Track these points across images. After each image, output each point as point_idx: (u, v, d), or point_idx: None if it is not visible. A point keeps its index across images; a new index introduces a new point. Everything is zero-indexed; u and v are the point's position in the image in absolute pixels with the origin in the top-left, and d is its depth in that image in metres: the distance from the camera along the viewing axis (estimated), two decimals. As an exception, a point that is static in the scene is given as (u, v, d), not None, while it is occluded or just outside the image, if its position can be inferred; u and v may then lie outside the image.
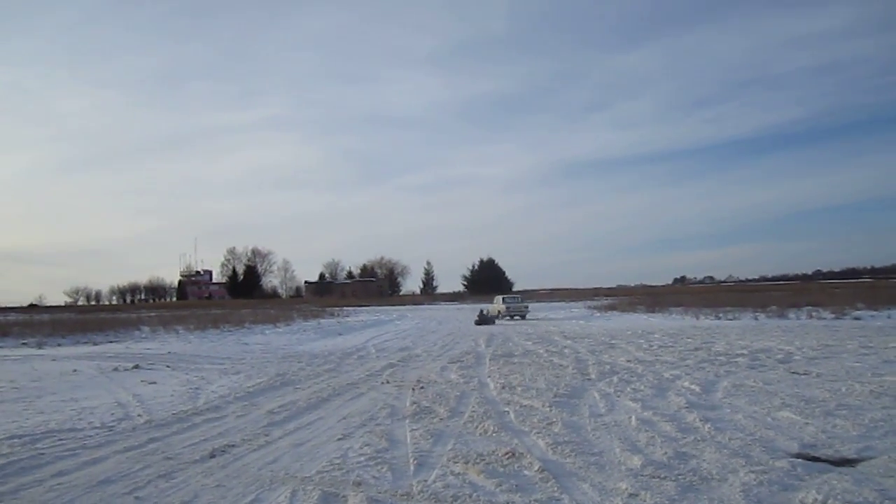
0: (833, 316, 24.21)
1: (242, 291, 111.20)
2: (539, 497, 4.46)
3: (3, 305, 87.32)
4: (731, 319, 25.37)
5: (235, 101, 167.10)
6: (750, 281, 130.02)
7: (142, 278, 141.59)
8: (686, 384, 9.26)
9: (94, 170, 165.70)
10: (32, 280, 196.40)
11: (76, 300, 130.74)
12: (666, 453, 5.53)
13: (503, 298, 37.77)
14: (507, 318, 34.72)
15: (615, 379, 9.98)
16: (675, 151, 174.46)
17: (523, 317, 35.13)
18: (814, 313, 25.24)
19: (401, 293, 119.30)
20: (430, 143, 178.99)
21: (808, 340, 15.31)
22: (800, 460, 5.22)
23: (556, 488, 4.65)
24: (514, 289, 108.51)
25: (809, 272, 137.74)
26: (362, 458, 5.67)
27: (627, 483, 4.71)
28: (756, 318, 25.09)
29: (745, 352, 13.22)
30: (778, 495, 4.38)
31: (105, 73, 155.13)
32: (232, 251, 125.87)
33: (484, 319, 30.74)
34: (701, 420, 6.81)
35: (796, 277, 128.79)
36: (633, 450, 5.70)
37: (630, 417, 7.07)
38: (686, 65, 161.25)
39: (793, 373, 10.17)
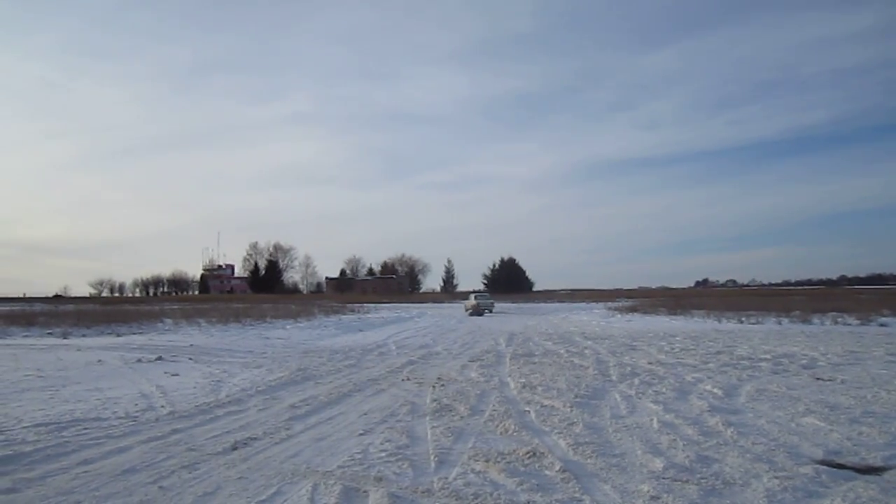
0: (858, 322, 23.82)
1: (264, 286, 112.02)
2: (560, 497, 4.45)
3: (29, 296, 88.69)
4: (753, 323, 25.05)
5: (260, 96, 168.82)
6: (773, 285, 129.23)
7: (165, 271, 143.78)
8: (708, 388, 9.19)
9: (119, 163, 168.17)
10: (57, 271, 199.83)
11: (100, 292, 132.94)
12: (688, 456, 5.49)
13: (475, 296, 46.15)
14: (477, 312, 42.12)
15: (636, 381, 9.92)
16: (698, 153, 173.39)
17: (490, 311, 44.08)
18: (839, 319, 24.84)
19: (421, 291, 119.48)
20: (453, 141, 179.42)
21: (833, 346, 15.09)
22: (824, 467, 5.16)
23: (577, 489, 4.63)
24: (535, 289, 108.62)
25: (834, 277, 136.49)
26: (383, 454, 5.69)
27: (649, 485, 4.69)
28: (779, 323, 24.76)
29: (768, 356, 13.07)
30: (803, 502, 4.35)
31: (131, 67, 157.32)
32: (254, 246, 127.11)
33: (476, 312, 41.48)
34: (724, 424, 6.75)
35: (820, 282, 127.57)
36: (655, 452, 5.67)
37: (652, 420, 7.03)
38: (710, 66, 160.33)
39: (817, 379, 10.05)
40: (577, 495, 4.50)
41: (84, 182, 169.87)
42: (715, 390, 8.94)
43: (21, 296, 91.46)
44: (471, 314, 41.14)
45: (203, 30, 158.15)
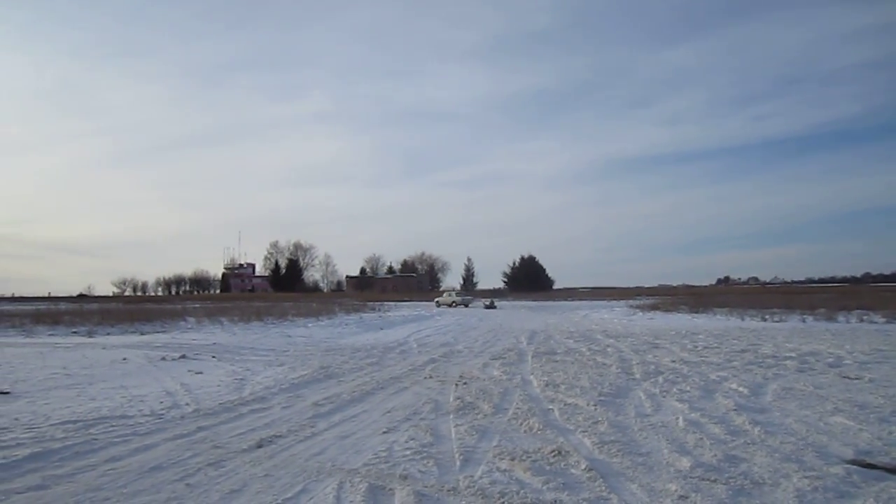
0: (884, 320, 23.47)
1: (284, 285, 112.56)
2: (587, 496, 4.43)
3: (54, 295, 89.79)
4: (777, 321, 24.80)
5: (282, 95, 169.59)
6: (796, 282, 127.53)
7: (186, 270, 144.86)
8: (733, 386, 9.10)
9: (141, 162, 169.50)
10: (81, 271, 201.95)
11: (123, 290, 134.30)
12: (715, 455, 5.44)
13: (455, 293, 59.93)
14: (451, 305, 53.69)
15: (660, 379, 9.85)
16: (721, 149, 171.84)
17: (466, 306, 54.11)
18: (864, 317, 24.52)
19: (441, 289, 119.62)
20: (472, 139, 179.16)
21: (859, 345, 14.90)
22: (855, 467, 5.09)
23: (603, 488, 4.60)
24: (555, 287, 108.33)
25: (858, 275, 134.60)
26: (408, 452, 5.69)
27: (677, 485, 4.65)
28: (804, 321, 24.50)
29: (793, 355, 12.93)
30: (834, 502, 4.29)
31: (151, 67, 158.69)
32: (275, 245, 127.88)
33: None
34: (750, 423, 6.69)
35: (844, 280, 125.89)
36: (682, 451, 5.62)
37: (677, 418, 6.97)
38: (731, 61, 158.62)
39: (844, 377, 9.93)
40: (603, 494, 4.47)
41: (106, 182, 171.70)
42: (740, 389, 8.86)
43: (46, 295, 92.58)
44: (448, 306, 53.32)
45: (225, 27, 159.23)
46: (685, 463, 5.22)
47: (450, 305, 54.45)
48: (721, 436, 6.20)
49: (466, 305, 54.97)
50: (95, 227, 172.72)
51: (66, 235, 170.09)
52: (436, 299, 59.25)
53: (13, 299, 78.96)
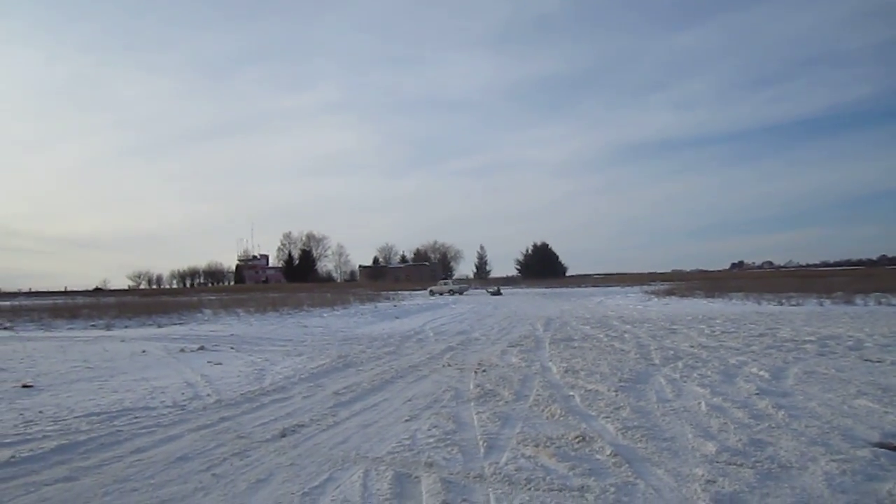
0: (903, 302, 23.36)
1: (298, 275, 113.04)
2: (614, 482, 4.41)
3: (71, 289, 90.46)
4: (794, 305, 24.67)
5: (291, 86, 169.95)
6: (811, 266, 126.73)
7: (201, 263, 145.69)
8: (754, 370, 9.05)
9: (154, 156, 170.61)
10: (97, 265, 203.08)
11: (139, 284, 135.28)
12: (740, 440, 5.41)
13: (452, 282, 62.77)
14: (449, 293, 55.42)
15: (680, 364, 9.81)
16: (734, 133, 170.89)
17: (461, 294, 56.13)
18: (882, 300, 24.30)
19: (454, 277, 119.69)
20: (483, 127, 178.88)
21: (879, 327, 14.78)
22: (882, 450, 5.04)
23: (630, 473, 4.59)
24: (568, 273, 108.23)
25: (874, 257, 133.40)
26: (431, 440, 5.69)
27: (703, 469, 4.63)
28: (821, 304, 24.37)
29: (812, 338, 12.84)
30: (864, 485, 4.25)
31: (162, 60, 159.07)
32: (288, 236, 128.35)
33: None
34: (773, 407, 6.64)
35: (860, 263, 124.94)
36: (706, 436, 5.59)
37: (699, 403, 6.94)
38: (748, 42, 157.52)
39: (865, 360, 9.86)
40: (630, 479, 4.46)
41: (119, 176, 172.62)
42: (761, 373, 8.81)
43: (63, 289, 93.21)
44: (440, 293, 56.22)
45: (234, 20, 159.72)
46: (711, 447, 5.19)
47: (442, 294, 56.20)
48: (745, 420, 6.17)
49: (461, 293, 57.07)
50: (109, 222, 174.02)
51: (80, 230, 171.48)
52: (430, 288, 61.25)
53: (30, 294, 79.55)
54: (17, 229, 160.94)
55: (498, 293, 56.57)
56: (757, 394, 7.38)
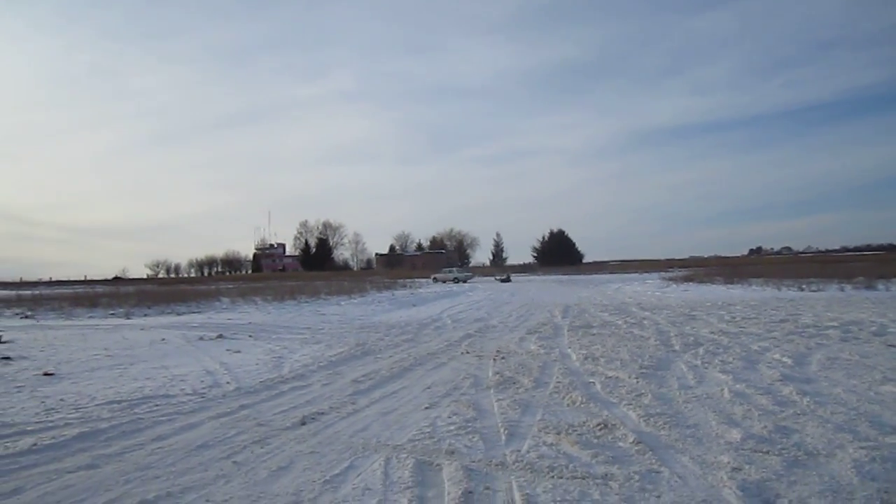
0: (926, 287, 23.05)
1: (315, 264, 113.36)
2: (638, 469, 4.35)
3: (90, 278, 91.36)
4: (814, 291, 24.41)
5: (306, 75, 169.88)
6: (830, 251, 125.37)
7: (218, 251, 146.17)
8: (776, 356, 8.95)
9: (172, 145, 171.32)
10: (115, 253, 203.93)
11: (157, 273, 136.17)
12: (766, 427, 5.33)
13: (454, 270, 62.24)
14: (453, 281, 55.34)
15: (701, 350, 9.72)
16: (751, 117, 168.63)
17: (465, 282, 55.21)
18: (904, 284, 24.08)
19: (470, 265, 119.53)
20: (498, 114, 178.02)
21: (902, 312, 14.62)
22: (912, 436, 4.96)
23: (654, 460, 4.53)
24: (584, 260, 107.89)
25: (895, 241, 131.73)
26: (452, 428, 5.65)
27: (729, 456, 4.56)
28: (842, 290, 24.09)
29: (835, 324, 12.68)
30: (894, 473, 4.16)
31: (178, 50, 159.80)
32: (304, 224, 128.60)
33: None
34: (798, 393, 6.55)
35: (880, 247, 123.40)
36: (730, 423, 5.52)
37: (722, 390, 6.85)
38: (764, 26, 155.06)
39: (890, 346, 9.71)
40: (654, 467, 4.40)
41: (136, 165, 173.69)
42: (784, 359, 8.70)
43: (82, 278, 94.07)
44: (444, 281, 56.14)
45: (247, 8, 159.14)
46: (735, 434, 5.12)
47: (445, 282, 55.49)
48: (769, 407, 6.08)
49: (465, 281, 56.42)
50: (128, 211, 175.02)
51: (100, 219, 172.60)
52: (433, 276, 60.78)
53: (51, 283, 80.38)
54: (38, 219, 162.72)
55: (507, 280, 57.02)
56: (780, 380, 7.29)
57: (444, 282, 54.64)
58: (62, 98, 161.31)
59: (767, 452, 4.65)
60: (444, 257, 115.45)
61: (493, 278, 62.30)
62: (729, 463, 4.42)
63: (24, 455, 5.03)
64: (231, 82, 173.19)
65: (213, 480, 4.40)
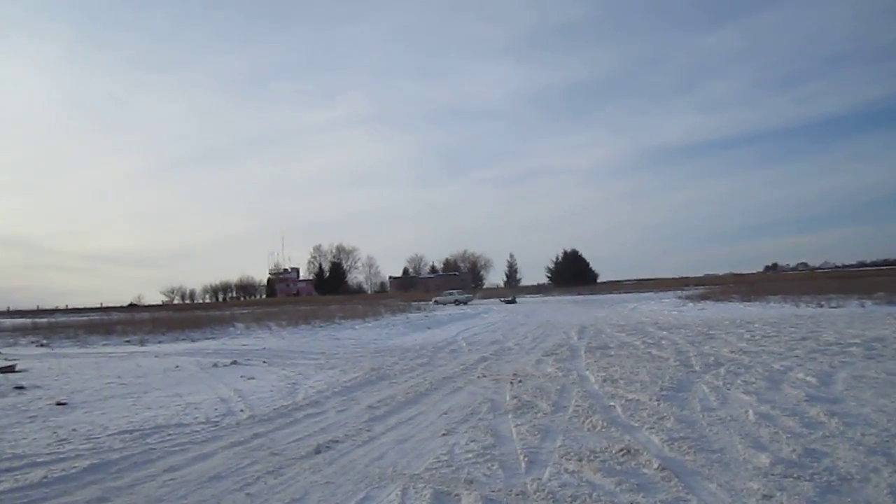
0: (949, 302, 22.68)
1: (329, 288, 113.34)
2: (664, 497, 4.20)
3: (106, 305, 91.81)
4: (834, 307, 24.07)
5: (317, 100, 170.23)
6: (847, 267, 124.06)
7: (232, 277, 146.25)
8: (800, 376, 8.75)
9: (184, 173, 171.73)
10: (131, 280, 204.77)
11: (172, 299, 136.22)
12: (794, 450, 5.15)
13: (454, 293, 62.61)
14: (454, 303, 55.40)
15: (722, 371, 9.52)
16: (764, 133, 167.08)
17: (466, 304, 56.02)
18: (926, 300, 23.70)
19: (484, 286, 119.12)
20: (510, 134, 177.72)
21: (927, 328, 14.34)
22: (948, 459, 4.77)
23: (680, 488, 4.37)
24: (599, 280, 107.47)
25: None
26: (470, 455, 5.51)
27: (758, 483, 4.39)
28: (862, 306, 23.73)
29: (858, 341, 12.44)
30: (933, 498, 3.99)
31: (191, 78, 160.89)
32: (318, 248, 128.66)
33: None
34: (826, 414, 6.36)
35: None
36: (758, 446, 5.35)
37: (746, 411, 6.67)
38: (775, 41, 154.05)
39: (917, 363, 9.50)
40: (681, 495, 4.24)
41: (151, 193, 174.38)
42: (808, 378, 8.50)
43: (98, 305, 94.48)
44: (445, 303, 55.80)
45: (258, 38, 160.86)
46: (764, 459, 4.94)
47: (446, 304, 56.09)
48: (797, 429, 5.90)
49: (466, 303, 57.21)
50: (143, 237, 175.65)
51: (115, 246, 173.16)
52: (434, 299, 61.18)
53: (67, 311, 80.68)
54: (54, 247, 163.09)
55: (512, 301, 57.00)
56: (806, 400, 7.10)
57: (445, 304, 55.17)
58: (78, 126, 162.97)
59: (798, 478, 4.48)
60: (458, 279, 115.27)
61: (498, 300, 62.36)
62: (759, 490, 4.26)
63: (34, 488, 4.94)
64: (245, 108, 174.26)
65: (225, 514, 4.29)
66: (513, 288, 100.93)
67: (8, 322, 36.17)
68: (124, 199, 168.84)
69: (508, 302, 56.70)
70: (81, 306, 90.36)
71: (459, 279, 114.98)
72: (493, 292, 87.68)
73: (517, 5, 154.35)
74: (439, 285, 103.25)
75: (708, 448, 5.40)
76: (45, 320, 35.90)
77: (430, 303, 57.85)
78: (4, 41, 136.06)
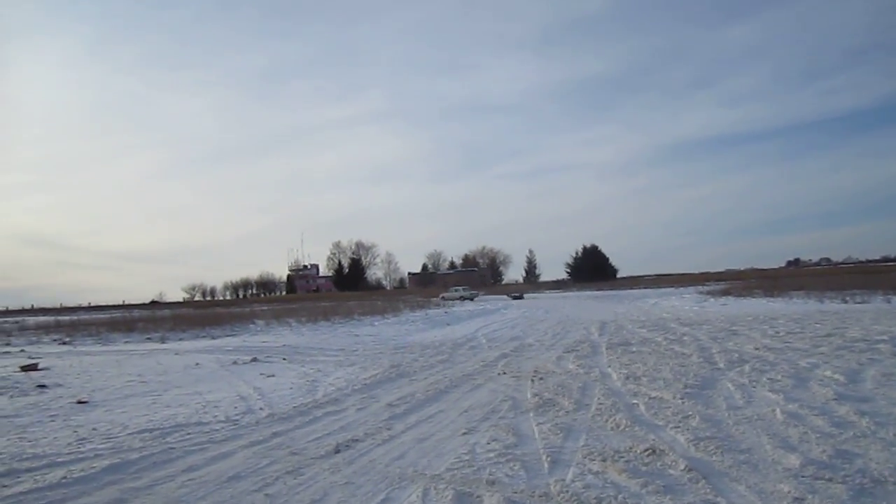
0: (976, 297, 22.27)
1: (348, 284, 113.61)
2: (692, 500, 4.10)
3: (128, 303, 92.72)
4: (859, 303, 23.70)
5: (336, 97, 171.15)
6: (871, 261, 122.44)
7: (252, 273, 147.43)
8: (827, 373, 8.57)
9: (203, 170, 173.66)
10: (152, 278, 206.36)
11: (193, 296, 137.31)
12: (825, 451, 5.02)
13: (460, 289, 62.91)
14: (460, 300, 55.38)
15: (746, 368, 9.37)
16: (786, 127, 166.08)
17: (472, 300, 56.35)
18: (954, 295, 23.30)
19: (503, 282, 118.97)
20: (529, 130, 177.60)
21: (956, 324, 14.06)
22: None
23: (708, 490, 4.26)
24: (619, 276, 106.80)
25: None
26: (491, 455, 5.43)
27: (789, 485, 4.27)
28: (888, 301, 23.34)
29: (885, 337, 12.18)
30: (973, 502, 3.86)
31: (211, 76, 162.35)
32: (337, 245, 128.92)
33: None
34: (856, 413, 6.21)
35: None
36: (787, 447, 5.21)
37: (773, 410, 6.53)
38: (796, 35, 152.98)
39: (947, 360, 9.29)
40: (710, 497, 4.13)
41: (172, 190, 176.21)
42: (836, 376, 8.33)
43: (120, 303, 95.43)
44: (452, 300, 55.76)
45: (277, 35, 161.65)
46: (793, 460, 4.81)
47: (453, 300, 56.59)
48: (826, 428, 5.76)
49: (471, 299, 58.20)
50: (165, 235, 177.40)
51: (137, 244, 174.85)
52: (441, 295, 62.23)
53: (89, 308, 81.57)
54: (77, 245, 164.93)
55: (520, 297, 58.44)
56: (835, 399, 6.94)
57: (452, 300, 55.71)
58: (100, 125, 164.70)
59: (830, 480, 4.35)
60: (478, 275, 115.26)
61: (505, 296, 63.25)
62: (790, 492, 4.14)
63: (52, 489, 4.92)
64: (264, 105, 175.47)
65: (244, 515, 4.24)
66: (532, 283, 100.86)
67: (31, 320, 36.63)
68: (146, 196, 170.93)
69: (516, 298, 58.17)
70: (104, 304, 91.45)
71: (479, 275, 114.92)
72: (513, 288, 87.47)
73: (533, 0, 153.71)
74: (458, 281, 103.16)
75: (735, 448, 5.28)
76: (67, 318, 36.36)
77: (439, 298, 58.80)
78: (28, 42, 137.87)
